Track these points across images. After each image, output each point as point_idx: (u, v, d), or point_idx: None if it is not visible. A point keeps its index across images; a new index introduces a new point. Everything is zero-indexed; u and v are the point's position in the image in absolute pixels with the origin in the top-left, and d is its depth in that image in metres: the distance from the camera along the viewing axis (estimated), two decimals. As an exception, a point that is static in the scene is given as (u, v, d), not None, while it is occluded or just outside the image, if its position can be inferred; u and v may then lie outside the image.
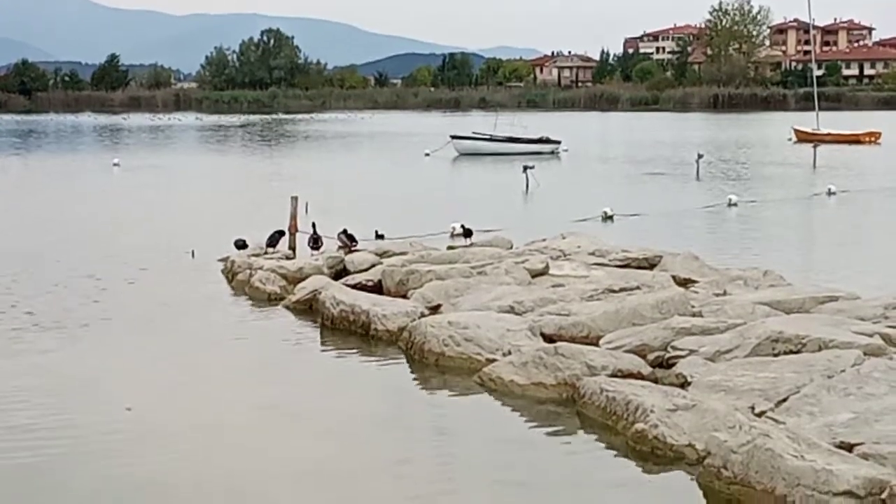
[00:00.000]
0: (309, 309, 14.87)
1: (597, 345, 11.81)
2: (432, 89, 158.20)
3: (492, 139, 52.26)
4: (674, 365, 11.10)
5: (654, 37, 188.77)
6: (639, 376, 10.74)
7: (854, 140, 59.87)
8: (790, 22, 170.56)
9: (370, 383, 11.67)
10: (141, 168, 42.66)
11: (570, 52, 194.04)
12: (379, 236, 19.87)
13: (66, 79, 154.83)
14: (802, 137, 59.57)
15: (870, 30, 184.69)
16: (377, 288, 15.58)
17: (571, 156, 49.89)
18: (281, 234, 18.53)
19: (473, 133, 54.39)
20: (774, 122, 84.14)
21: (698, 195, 31.54)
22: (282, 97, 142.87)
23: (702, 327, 11.84)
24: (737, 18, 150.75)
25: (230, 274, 17.42)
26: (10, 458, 9.11)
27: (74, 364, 12.23)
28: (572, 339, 11.98)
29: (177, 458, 9.19)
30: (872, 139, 60.68)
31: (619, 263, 16.69)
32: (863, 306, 12.95)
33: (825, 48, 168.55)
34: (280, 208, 19.87)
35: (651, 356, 11.42)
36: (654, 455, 8.89)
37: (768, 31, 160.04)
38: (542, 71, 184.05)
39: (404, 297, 14.77)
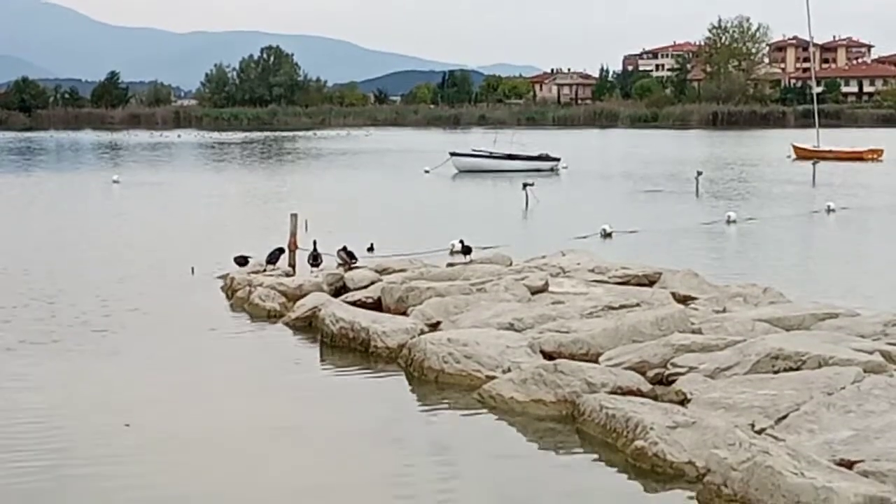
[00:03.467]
0: (308, 326, 14.88)
1: (596, 362, 11.81)
2: (432, 106, 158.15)
3: (491, 156, 52.24)
4: (673, 382, 11.11)
5: (654, 54, 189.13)
6: (638, 393, 10.74)
7: (856, 157, 59.04)
8: (789, 39, 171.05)
9: (370, 400, 11.66)
10: (141, 185, 42.68)
11: (569, 70, 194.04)
12: (370, 249, 19.81)
13: (66, 96, 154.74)
14: (802, 154, 59.33)
15: (869, 47, 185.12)
16: (377, 305, 15.58)
17: (571, 173, 49.97)
18: (281, 251, 18.55)
19: (473, 150, 54.38)
20: (774, 139, 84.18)
21: (697, 212, 31.56)
22: (282, 114, 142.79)
23: (701, 344, 11.85)
24: (736, 36, 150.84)
25: (230, 291, 17.43)
26: (10, 479, 9.09)
27: (73, 381, 12.23)
28: (572, 356, 11.98)
29: (174, 475, 9.18)
30: (875, 156, 60.06)
31: (618, 280, 16.71)
32: (862, 323, 12.98)
33: (824, 65, 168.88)
34: (280, 225, 19.91)
35: (651, 373, 11.42)
36: (653, 472, 8.88)
37: (767, 48, 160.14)
38: (541, 88, 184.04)
39: (404, 314, 14.78)
